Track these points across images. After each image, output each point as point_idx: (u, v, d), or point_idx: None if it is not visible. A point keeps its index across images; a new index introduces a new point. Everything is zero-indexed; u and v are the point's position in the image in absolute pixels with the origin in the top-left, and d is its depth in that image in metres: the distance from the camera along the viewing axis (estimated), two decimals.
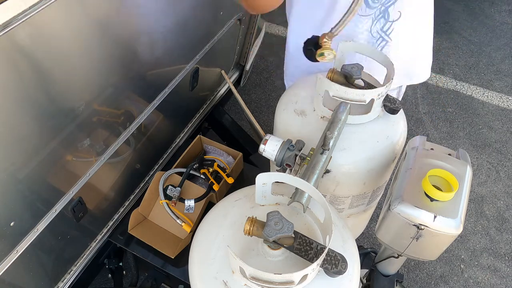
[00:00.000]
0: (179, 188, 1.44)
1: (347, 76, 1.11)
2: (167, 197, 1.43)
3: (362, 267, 1.06)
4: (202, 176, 1.50)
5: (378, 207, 2.25)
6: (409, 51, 1.31)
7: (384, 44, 1.27)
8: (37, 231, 1.07)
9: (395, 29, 1.23)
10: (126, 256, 1.54)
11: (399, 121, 1.20)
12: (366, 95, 1.04)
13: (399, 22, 1.22)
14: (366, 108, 1.10)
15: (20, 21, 0.80)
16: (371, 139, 1.14)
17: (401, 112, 1.20)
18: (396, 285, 1.30)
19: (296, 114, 1.19)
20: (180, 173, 1.51)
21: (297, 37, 1.30)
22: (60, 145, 1.07)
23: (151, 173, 1.59)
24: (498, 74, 3.07)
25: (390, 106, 1.13)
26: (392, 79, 1.06)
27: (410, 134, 2.33)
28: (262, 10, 1.08)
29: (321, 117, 1.15)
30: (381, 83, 1.16)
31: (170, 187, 1.44)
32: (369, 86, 1.14)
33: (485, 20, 3.56)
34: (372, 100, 1.06)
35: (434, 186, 0.93)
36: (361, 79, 1.13)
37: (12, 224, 0.99)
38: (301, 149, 1.00)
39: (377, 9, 1.19)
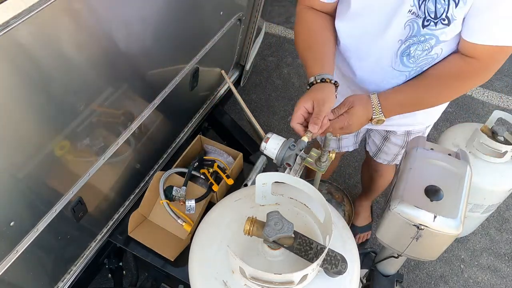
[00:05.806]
0: (184, 187, 1.43)
1: None
2: (167, 197, 1.43)
3: (362, 267, 1.06)
4: (202, 176, 1.50)
5: (378, 207, 2.26)
6: None
7: None
8: (37, 231, 1.07)
9: None
10: (126, 256, 1.54)
11: None
12: None
13: None
14: None
15: (20, 21, 0.80)
16: None
17: None
18: (396, 285, 1.30)
19: None
20: (180, 173, 1.51)
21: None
22: (60, 145, 1.07)
23: (151, 173, 1.59)
24: (498, 74, 3.07)
25: None
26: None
27: None
28: None
29: None
30: None
31: (175, 188, 1.43)
32: None
33: None
34: None
35: (433, 186, 0.93)
36: None
37: (12, 224, 0.99)
38: (302, 149, 1.00)
39: (413, 68, 1.11)
